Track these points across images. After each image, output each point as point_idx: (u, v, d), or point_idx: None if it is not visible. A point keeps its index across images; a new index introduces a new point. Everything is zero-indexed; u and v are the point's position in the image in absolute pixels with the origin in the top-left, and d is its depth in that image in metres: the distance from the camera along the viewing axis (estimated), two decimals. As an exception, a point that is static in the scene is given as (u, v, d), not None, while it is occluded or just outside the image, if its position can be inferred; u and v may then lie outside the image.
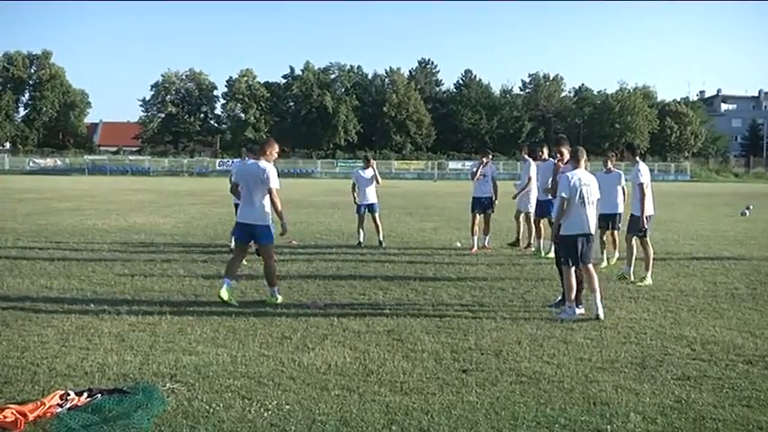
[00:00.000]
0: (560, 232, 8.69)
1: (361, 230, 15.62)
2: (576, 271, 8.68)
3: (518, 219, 15.49)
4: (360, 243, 15.41)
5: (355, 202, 15.88)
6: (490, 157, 15.52)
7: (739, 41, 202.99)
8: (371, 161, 15.91)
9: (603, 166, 12.56)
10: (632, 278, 11.19)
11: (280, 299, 9.22)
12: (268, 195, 9.01)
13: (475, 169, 15.25)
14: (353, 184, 16.04)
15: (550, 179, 13.02)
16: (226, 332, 7.57)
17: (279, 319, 8.17)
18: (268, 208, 9.11)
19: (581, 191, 8.66)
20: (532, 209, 14.78)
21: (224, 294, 8.82)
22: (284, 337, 7.41)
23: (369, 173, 15.68)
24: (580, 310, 8.60)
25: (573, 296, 8.61)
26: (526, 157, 15.61)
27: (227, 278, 9.08)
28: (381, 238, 15.51)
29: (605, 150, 15.85)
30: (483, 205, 14.98)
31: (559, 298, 9.28)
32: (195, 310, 8.58)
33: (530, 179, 15.00)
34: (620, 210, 12.42)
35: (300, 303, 9.18)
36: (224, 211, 21.98)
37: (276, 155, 9.27)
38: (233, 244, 12.70)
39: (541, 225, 14.09)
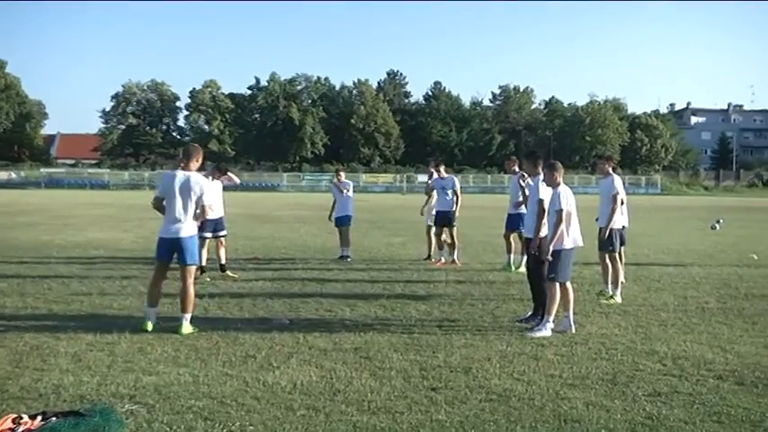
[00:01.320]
0: (559, 247, 8.70)
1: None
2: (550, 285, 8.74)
3: (429, 234, 15.72)
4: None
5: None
6: (441, 168, 15.38)
7: (708, 54, 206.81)
8: (338, 173, 16.70)
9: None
10: (611, 293, 11.10)
11: (190, 329, 8.38)
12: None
13: (428, 181, 15.92)
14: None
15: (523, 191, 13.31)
16: (187, 351, 7.50)
17: (242, 338, 8.11)
18: (194, 223, 8.74)
19: (571, 204, 8.77)
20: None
21: (149, 326, 8.35)
22: (248, 355, 7.36)
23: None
24: (551, 325, 8.64)
25: (553, 312, 8.66)
26: (431, 170, 15.88)
27: (150, 307, 8.54)
28: (347, 253, 15.67)
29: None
30: (444, 219, 15.06)
31: (530, 313, 9.34)
32: (156, 328, 8.47)
33: (431, 191, 15.50)
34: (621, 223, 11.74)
35: (265, 320, 9.12)
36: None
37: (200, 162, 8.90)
38: (202, 260, 12.61)
39: (511, 239, 14.17)
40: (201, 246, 12.62)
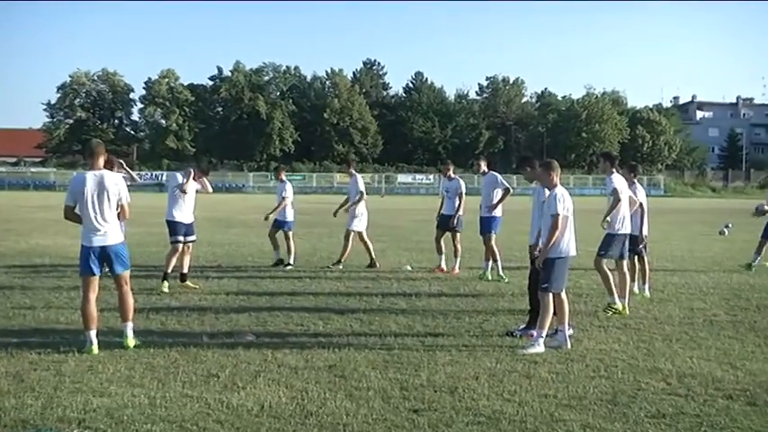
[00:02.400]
0: (554, 255, 8.73)
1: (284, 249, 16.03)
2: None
3: (348, 238, 15.93)
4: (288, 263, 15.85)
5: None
6: (449, 169, 15.94)
7: (715, 44, 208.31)
8: (279, 172, 17.27)
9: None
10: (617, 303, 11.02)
11: (134, 341, 8.44)
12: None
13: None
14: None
15: (496, 192, 13.61)
16: (143, 370, 7.46)
17: (204, 355, 8.07)
18: (119, 226, 8.65)
19: (569, 208, 8.79)
20: (359, 227, 15.84)
21: (95, 350, 8.17)
22: (210, 374, 7.33)
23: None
24: (544, 340, 8.68)
25: (547, 326, 8.68)
26: (353, 171, 16.65)
27: (89, 331, 8.32)
28: (290, 260, 15.90)
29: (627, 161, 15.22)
30: (445, 224, 15.23)
31: (522, 326, 9.36)
32: (107, 344, 8.40)
33: (360, 194, 15.91)
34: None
35: (229, 335, 9.09)
36: (140, 231, 21.71)
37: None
38: (168, 268, 12.53)
39: (493, 245, 14.24)
40: (174, 251, 12.56)
